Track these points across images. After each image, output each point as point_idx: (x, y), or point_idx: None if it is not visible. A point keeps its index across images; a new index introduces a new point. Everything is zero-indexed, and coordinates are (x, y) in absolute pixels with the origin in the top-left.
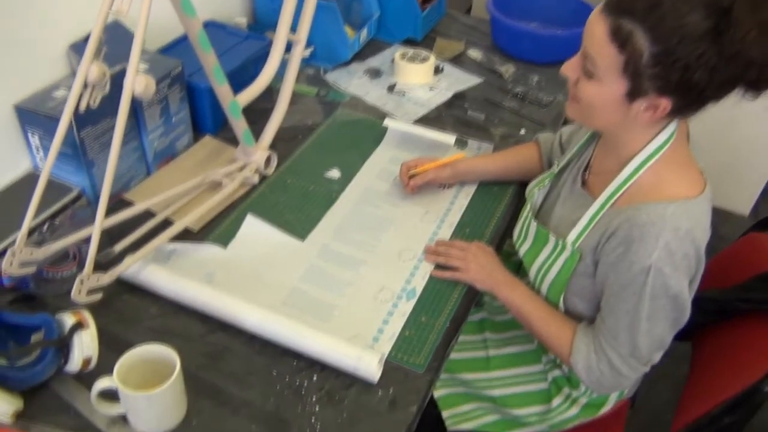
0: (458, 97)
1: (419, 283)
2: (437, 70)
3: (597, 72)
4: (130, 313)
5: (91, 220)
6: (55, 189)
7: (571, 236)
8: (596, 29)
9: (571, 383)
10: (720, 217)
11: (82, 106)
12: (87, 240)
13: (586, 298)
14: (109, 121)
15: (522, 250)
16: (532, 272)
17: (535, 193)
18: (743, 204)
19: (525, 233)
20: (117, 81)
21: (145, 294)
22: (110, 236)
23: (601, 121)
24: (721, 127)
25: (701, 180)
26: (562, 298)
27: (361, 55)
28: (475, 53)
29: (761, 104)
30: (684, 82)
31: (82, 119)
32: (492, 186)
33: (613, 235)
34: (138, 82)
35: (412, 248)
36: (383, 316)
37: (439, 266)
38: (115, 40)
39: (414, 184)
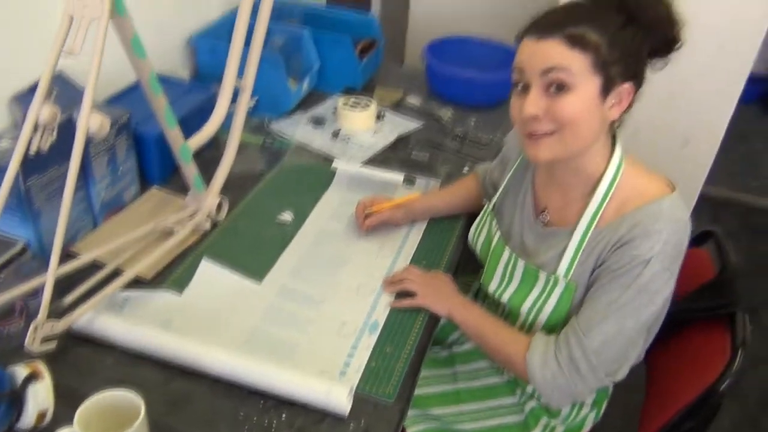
0: (402, 140)
1: (381, 316)
2: (379, 117)
3: (571, 79)
4: (84, 366)
5: (37, 273)
6: None
7: (562, 269)
8: (550, 51)
9: (549, 413)
10: None
11: (33, 149)
12: (34, 294)
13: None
14: (56, 169)
15: (506, 295)
16: (523, 312)
17: (481, 237)
18: None
19: (509, 276)
20: (63, 128)
21: (100, 345)
22: (59, 290)
23: (585, 136)
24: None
25: (668, 179)
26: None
27: (303, 104)
28: (413, 100)
29: (676, 138)
30: (634, 61)
31: (28, 168)
32: (441, 220)
33: (614, 247)
34: (93, 119)
35: (370, 283)
36: (347, 350)
37: (398, 297)
38: (60, 92)
39: (369, 223)
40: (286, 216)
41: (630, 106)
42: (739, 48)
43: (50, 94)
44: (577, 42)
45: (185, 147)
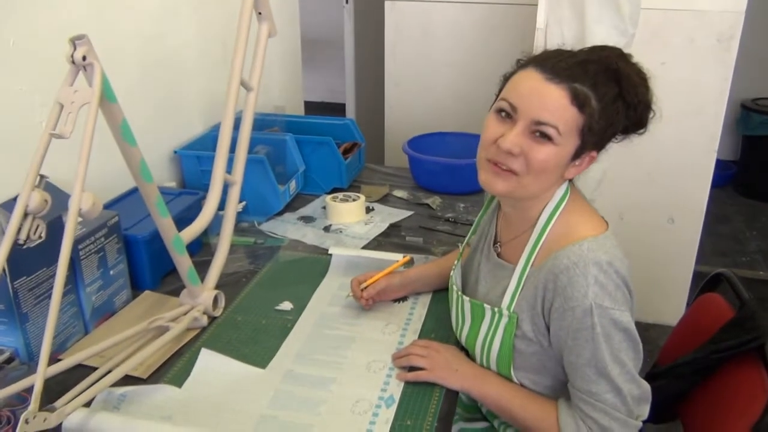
0: (394, 227)
1: (395, 390)
2: (368, 210)
3: (559, 137)
4: None
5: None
6: None
7: (505, 302)
8: (552, 97)
9: None
10: (658, 331)
11: (22, 237)
12: (22, 403)
13: (533, 370)
14: (44, 271)
15: (463, 334)
16: (477, 351)
17: (453, 276)
18: (675, 315)
19: (461, 315)
20: (52, 229)
21: None
22: (50, 395)
23: (541, 185)
24: (632, 248)
25: (603, 220)
26: (513, 375)
27: (290, 206)
28: (400, 193)
29: (661, 216)
30: (609, 134)
31: (15, 269)
32: (446, 293)
33: (546, 290)
34: (85, 198)
35: (380, 359)
36: (365, 426)
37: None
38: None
39: (368, 294)
40: (285, 305)
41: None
42: (705, 125)
43: (41, 181)
44: (579, 100)
45: (178, 238)
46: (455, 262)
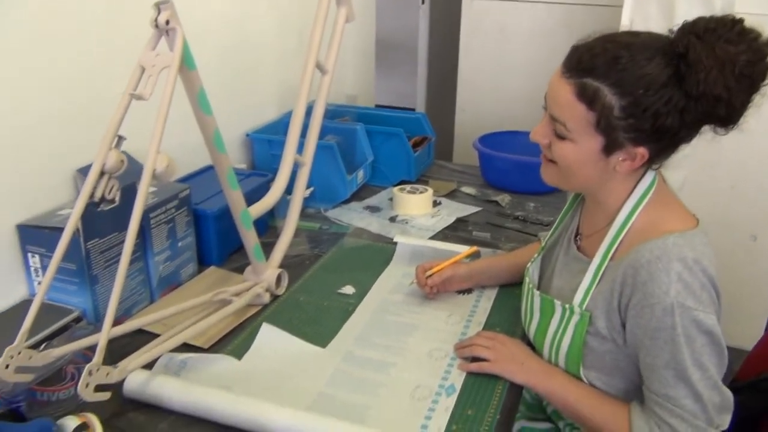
0: (461, 222)
1: (457, 379)
2: (435, 204)
3: (569, 133)
4: (137, 430)
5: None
6: (54, 311)
7: (577, 299)
8: (561, 93)
9: None
10: (733, 354)
11: (98, 195)
12: (87, 359)
13: (605, 371)
14: (117, 235)
15: (531, 330)
16: (546, 349)
17: (530, 269)
18: (752, 339)
19: (530, 310)
20: (126, 195)
21: (153, 410)
22: (112, 358)
23: (580, 179)
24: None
25: (692, 216)
26: (582, 374)
27: (357, 196)
28: (468, 189)
29: (743, 232)
30: (657, 128)
31: (89, 230)
32: (513, 288)
33: (624, 285)
34: (160, 159)
35: (442, 347)
36: (424, 412)
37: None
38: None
39: (432, 282)
40: (348, 289)
41: (665, 157)
42: None
43: (119, 141)
44: (587, 96)
45: (246, 212)
46: (535, 255)
